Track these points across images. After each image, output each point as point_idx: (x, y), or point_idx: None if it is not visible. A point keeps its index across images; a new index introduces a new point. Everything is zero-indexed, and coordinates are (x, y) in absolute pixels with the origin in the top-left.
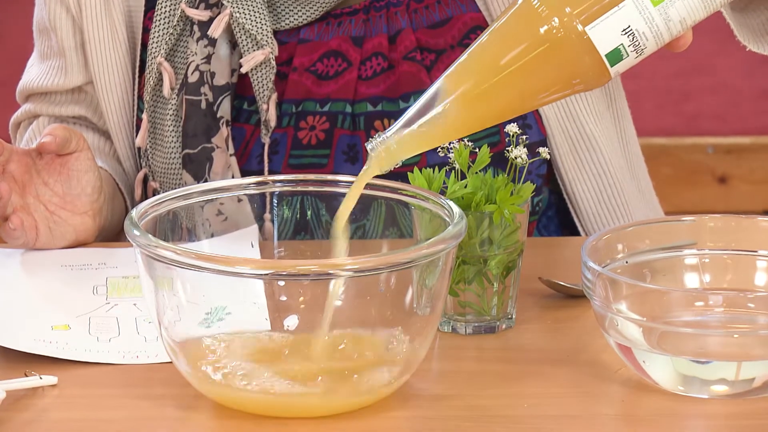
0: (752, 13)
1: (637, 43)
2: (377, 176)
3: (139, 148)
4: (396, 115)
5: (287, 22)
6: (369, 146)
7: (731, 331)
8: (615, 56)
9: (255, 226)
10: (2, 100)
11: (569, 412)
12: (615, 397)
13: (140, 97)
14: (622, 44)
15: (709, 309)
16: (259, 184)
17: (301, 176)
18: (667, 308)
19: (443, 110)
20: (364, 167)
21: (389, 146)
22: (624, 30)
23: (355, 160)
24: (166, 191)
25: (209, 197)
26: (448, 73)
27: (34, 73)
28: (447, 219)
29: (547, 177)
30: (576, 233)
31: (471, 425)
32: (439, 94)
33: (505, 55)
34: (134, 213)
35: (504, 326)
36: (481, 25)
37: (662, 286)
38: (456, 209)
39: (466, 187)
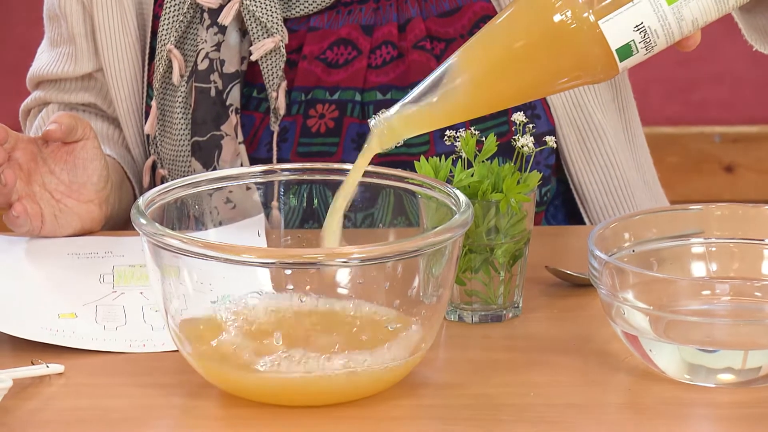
0: (760, 15)
1: (648, 40)
2: (384, 165)
3: (148, 136)
4: None
5: (297, 10)
6: (372, 122)
7: (738, 319)
8: (625, 52)
9: (261, 215)
10: (10, 88)
11: (575, 401)
12: (621, 385)
13: (150, 85)
14: (633, 40)
15: (715, 298)
16: (265, 172)
17: (308, 165)
18: (673, 297)
19: (449, 91)
20: (366, 144)
21: (392, 123)
22: (636, 26)
23: None
24: (174, 178)
25: (216, 185)
26: (456, 55)
27: (44, 60)
28: (453, 208)
29: (555, 167)
30: (582, 223)
31: (477, 414)
32: (446, 74)
33: (515, 42)
34: (141, 201)
35: (510, 315)
36: (490, 15)
37: (669, 275)
38: (462, 198)
39: (472, 175)
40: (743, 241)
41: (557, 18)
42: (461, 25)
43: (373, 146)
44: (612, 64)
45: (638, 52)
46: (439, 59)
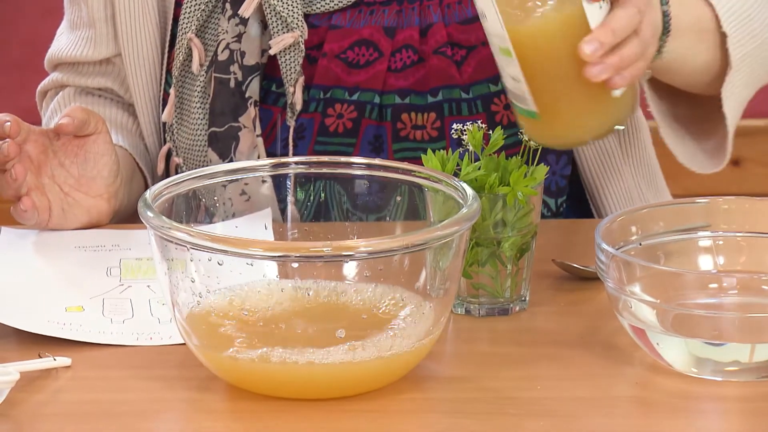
0: (681, 104)
1: None
2: (394, 159)
3: (164, 124)
4: (423, 109)
5: (319, 6)
6: None
7: (745, 313)
8: None
9: (269, 209)
10: (15, 84)
11: (582, 395)
12: (628, 379)
13: (169, 72)
14: None
15: (722, 291)
16: (275, 166)
17: (314, 158)
18: (681, 290)
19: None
20: None
21: None
22: None
23: (380, 150)
24: (189, 168)
25: (227, 178)
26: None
27: (63, 43)
28: (460, 201)
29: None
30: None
31: (484, 407)
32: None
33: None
34: (148, 194)
35: (517, 308)
36: None
37: (676, 268)
38: (469, 191)
39: (479, 169)
40: (750, 235)
41: None
42: (483, 32)
43: None
44: None
45: None
46: (460, 66)
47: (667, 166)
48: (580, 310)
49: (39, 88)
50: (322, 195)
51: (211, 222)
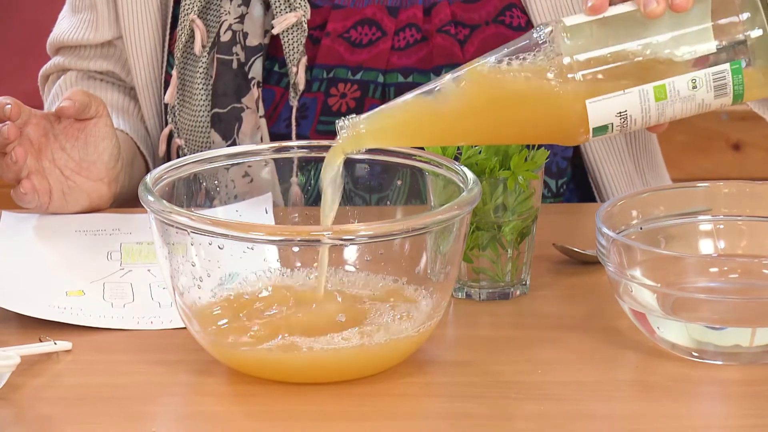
0: None
1: (624, 125)
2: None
3: (165, 106)
4: None
5: None
6: (339, 124)
7: (746, 297)
8: (601, 130)
9: (269, 193)
10: (19, 66)
11: (583, 378)
12: (629, 363)
13: (171, 53)
14: (612, 123)
15: (723, 275)
16: (277, 150)
17: (315, 142)
18: (681, 274)
19: (422, 113)
20: (335, 144)
21: (359, 131)
22: (620, 113)
23: None
24: (191, 149)
25: (231, 162)
26: (443, 82)
27: (65, 26)
28: (461, 185)
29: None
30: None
31: (484, 391)
32: (425, 96)
33: (503, 91)
34: (149, 178)
35: (518, 292)
36: (515, 4)
37: (677, 252)
38: (470, 175)
39: (480, 153)
40: (751, 219)
41: (549, 84)
42: (486, 11)
43: (338, 149)
44: (584, 138)
45: (611, 132)
46: (463, 44)
47: (667, 152)
48: (580, 294)
49: (41, 72)
50: None
51: (211, 206)
